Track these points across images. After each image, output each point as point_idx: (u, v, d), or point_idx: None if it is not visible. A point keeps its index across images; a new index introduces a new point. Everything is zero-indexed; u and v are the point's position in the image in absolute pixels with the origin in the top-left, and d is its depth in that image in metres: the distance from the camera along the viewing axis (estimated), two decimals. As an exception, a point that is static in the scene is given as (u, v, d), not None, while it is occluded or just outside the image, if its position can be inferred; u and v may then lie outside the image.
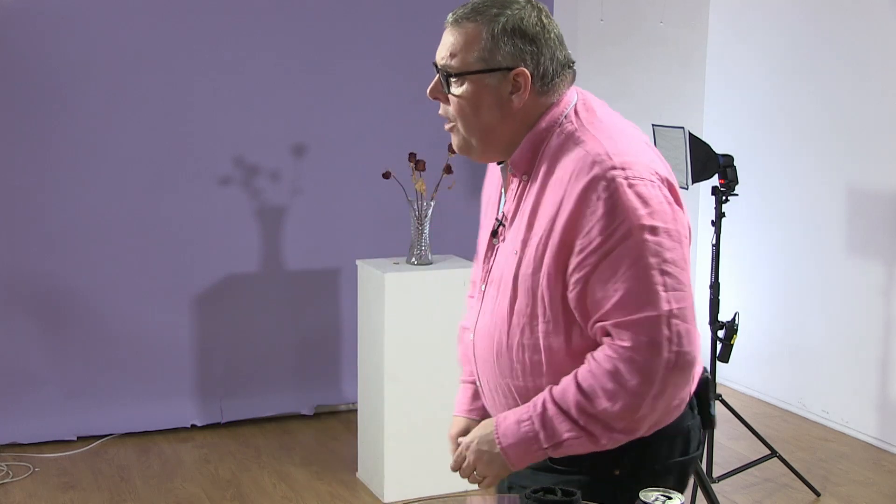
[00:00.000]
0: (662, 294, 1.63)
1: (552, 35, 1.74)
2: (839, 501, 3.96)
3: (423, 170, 3.87)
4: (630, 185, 1.64)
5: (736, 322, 3.79)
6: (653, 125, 4.80)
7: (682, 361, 1.65)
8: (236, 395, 4.72)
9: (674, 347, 1.64)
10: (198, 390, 4.66)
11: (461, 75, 1.74)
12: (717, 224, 3.91)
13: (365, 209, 4.79)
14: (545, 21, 1.75)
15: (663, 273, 1.64)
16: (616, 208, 1.63)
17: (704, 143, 4.49)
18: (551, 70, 1.74)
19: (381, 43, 4.78)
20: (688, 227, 1.72)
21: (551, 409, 1.72)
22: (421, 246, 3.91)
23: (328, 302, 4.83)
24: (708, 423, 1.86)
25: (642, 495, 1.46)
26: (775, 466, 4.10)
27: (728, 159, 4.03)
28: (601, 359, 1.68)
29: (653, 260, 1.64)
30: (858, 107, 4.60)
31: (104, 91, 4.37)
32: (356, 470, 4.14)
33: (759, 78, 5.14)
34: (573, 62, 1.79)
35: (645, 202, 1.63)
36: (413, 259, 3.93)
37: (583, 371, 1.71)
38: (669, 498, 1.46)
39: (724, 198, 3.93)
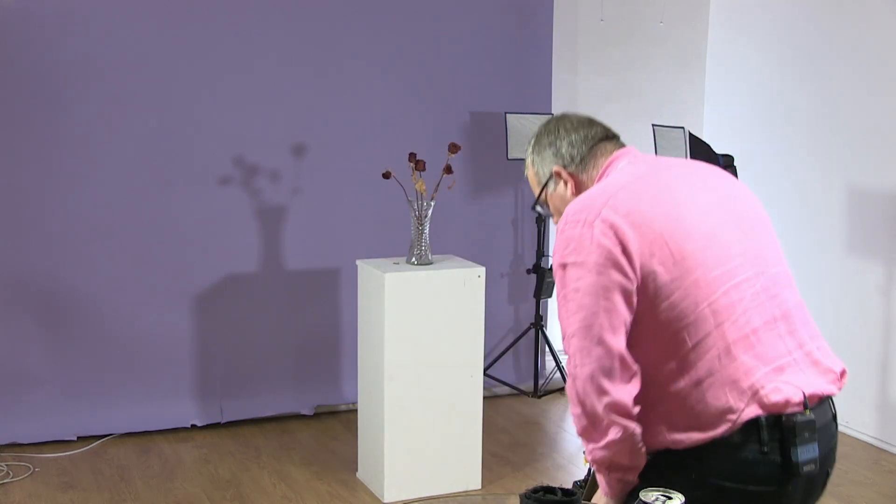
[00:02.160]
0: (566, 317, 1.94)
1: (566, 126, 2.15)
2: (839, 501, 3.95)
3: (423, 170, 3.87)
4: (560, 231, 1.98)
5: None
6: (653, 125, 4.79)
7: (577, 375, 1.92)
8: (236, 395, 4.72)
9: (574, 363, 1.91)
10: (198, 390, 4.66)
11: (539, 199, 2.23)
12: (717, 224, 3.89)
13: (365, 209, 4.79)
14: (557, 120, 2.17)
15: (567, 299, 1.94)
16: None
17: (704, 143, 4.49)
18: (576, 152, 2.13)
19: (382, 44, 4.78)
20: (615, 253, 1.89)
21: None
22: (421, 246, 3.91)
23: (328, 302, 4.83)
24: (790, 468, 1.98)
25: (642, 495, 1.46)
26: (775, 466, 4.10)
27: (728, 159, 4.04)
28: None
29: (562, 290, 1.95)
30: (858, 107, 4.60)
31: (104, 91, 4.37)
32: (356, 470, 4.14)
33: (760, 78, 5.14)
34: (604, 135, 2.14)
35: (566, 242, 1.95)
36: (413, 259, 3.93)
37: None
38: (670, 498, 1.46)
39: (724, 198, 3.92)
